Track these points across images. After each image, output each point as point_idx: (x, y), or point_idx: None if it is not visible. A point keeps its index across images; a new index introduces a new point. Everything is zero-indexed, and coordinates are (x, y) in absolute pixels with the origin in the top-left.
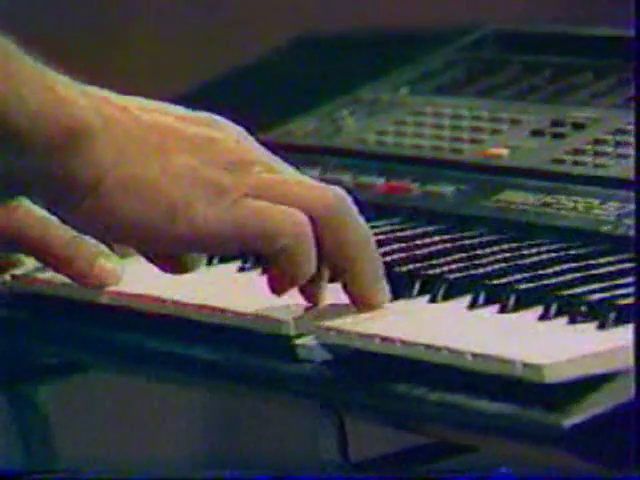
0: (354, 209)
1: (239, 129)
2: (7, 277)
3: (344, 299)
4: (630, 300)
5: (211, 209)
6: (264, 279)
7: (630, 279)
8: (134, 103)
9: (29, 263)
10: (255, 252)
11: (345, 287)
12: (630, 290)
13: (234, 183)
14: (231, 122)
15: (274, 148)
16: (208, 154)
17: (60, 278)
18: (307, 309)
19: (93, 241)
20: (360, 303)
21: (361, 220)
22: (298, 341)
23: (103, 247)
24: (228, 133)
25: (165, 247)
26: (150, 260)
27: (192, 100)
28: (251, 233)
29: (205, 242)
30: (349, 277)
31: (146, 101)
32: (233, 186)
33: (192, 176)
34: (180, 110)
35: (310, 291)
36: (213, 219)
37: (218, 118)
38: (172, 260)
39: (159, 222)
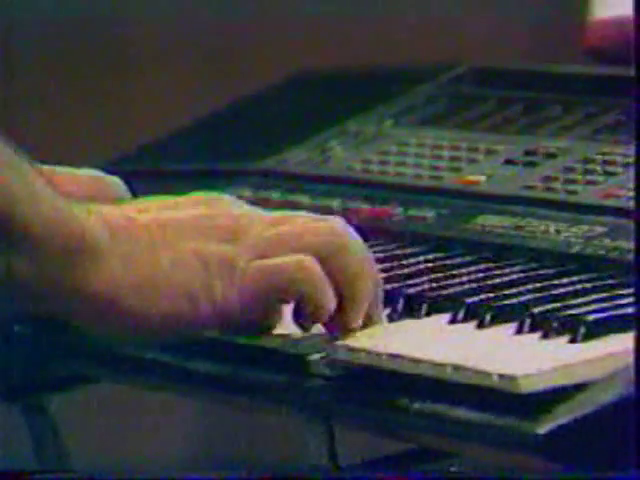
0: (348, 237)
1: (228, 198)
2: None
3: None
4: (599, 316)
5: (226, 285)
6: None
7: (600, 295)
8: (133, 207)
9: None
10: (276, 306)
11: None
12: (598, 306)
13: (238, 252)
14: (221, 195)
15: (269, 175)
16: (207, 233)
17: None
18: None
19: None
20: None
21: (358, 248)
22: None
23: None
24: (219, 207)
25: (195, 330)
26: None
27: (194, 132)
28: (266, 291)
29: (230, 315)
30: (346, 302)
31: (141, 200)
32: (238, 255)
33: (199, 260)
34: (171, 200)
35: (338, 321)
36: (231, 293)
37: (207, 195)
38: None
39: (184, 313)
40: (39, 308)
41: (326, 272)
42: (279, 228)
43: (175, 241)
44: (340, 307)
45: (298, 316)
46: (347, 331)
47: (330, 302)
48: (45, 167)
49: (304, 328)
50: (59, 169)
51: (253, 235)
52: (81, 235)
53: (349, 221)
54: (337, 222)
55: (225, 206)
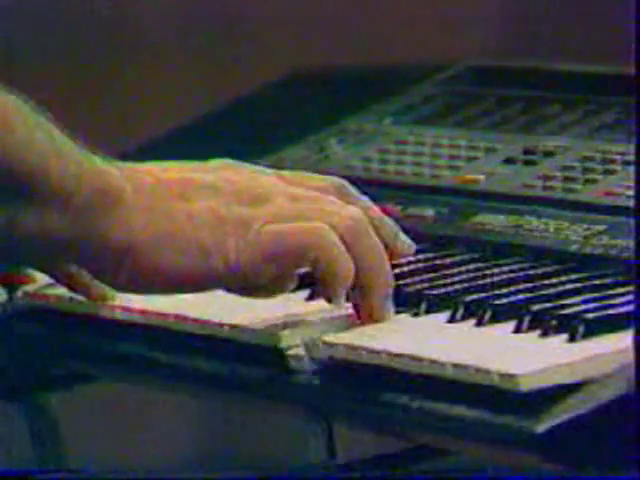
0: (370, 229)
1: (252, 167)
2: (19, 293)
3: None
4: (598, 314)
5: (240, 243)
6: None
7: (599, 294)
8: (155, 165)
9: (40, 279)
10: (290, 270)
11: (355, 300)
12: (597, 305)
13: (255, 214)
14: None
15: None
16: (226, 195)
17: (69, 293)
18: (298, 321)
19: None
20: (366, 317)
21: (376, 239)
22: (290, 352)
23: None
24: (241, 173)
25: (208, 288)
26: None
27: (192, 131)
28: (280, 254)
29: (242, 274)
30: (362, 291)
31: (165, 162)
32: (255, 217)
33: (216, 217)
34: (195, 164)
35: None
36: (244, 251)
37: (231, 161)
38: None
39: (196, 268)
40: (69, 258)
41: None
42: (302, 203)
43: (194, 199)
44: (359, 296)
45: (322, 291)
46: (340, 325)
47: (346, 272)
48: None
49: (331, 302)
50: None
51: (274, 204)
52: (106, 188)
53: None
54: (360, 211)
55: (249, 172)
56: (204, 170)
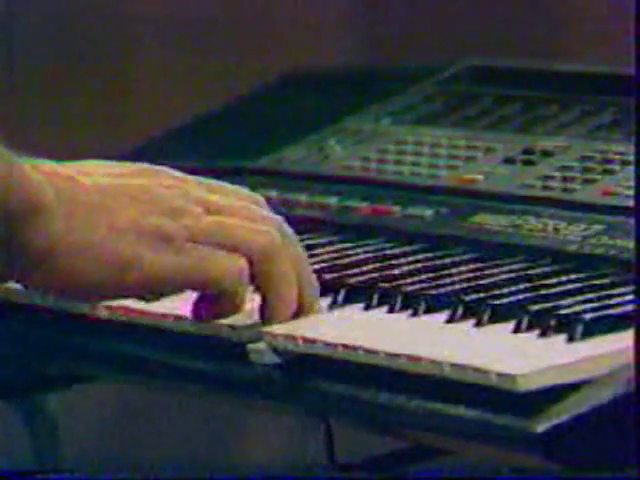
0: (282, 254)
1: (170, 172)
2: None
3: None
4: (596, 314)
5: (158, 257)
6: None
7: (598, 294)
8: (76, 169)
9: None
10: (198, 291)
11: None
12: (595, 305)
13: (176, 229)
14: (165, 167)
15: (266, 174)
16: (147, 204)
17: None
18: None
19: None
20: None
21: (287, 265)
22: (250, 346)
23: None
24: (160, 179)
25: (119, 296)
26: None
27: (191, 131)
28: (196, 279)
29: (154, 286)
30: (268, 304)
31: (87, 163)
32: (175, 232)
33: (136, 229)
34: (117, 167)
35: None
36: (160, 266)
37: (150, 167)
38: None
39: (111, 278)
40: None
41: (251, 273)
42: (219, 218)
43: (114, 208)
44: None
45: (201, 306)
46: (328, 321)
47: (242, 302)
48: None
49: (203, 319)
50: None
51: (193, 216)
52: (29, 196)
53: (347, 219)
54: (275, 225)
55: (168, 179)
56: (125, 175)
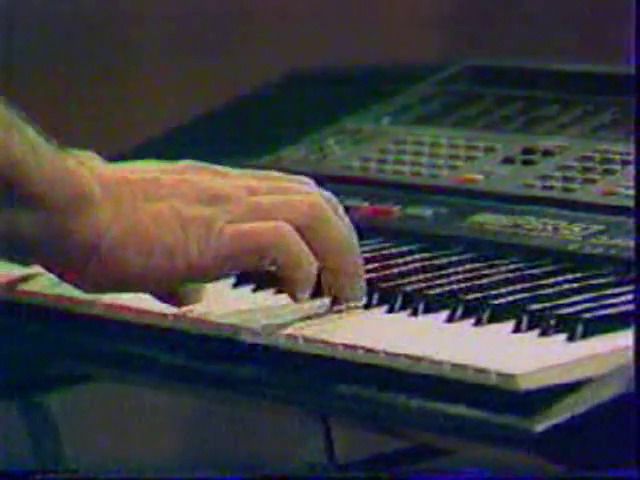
0: (332, 212)
1: (212, 167)
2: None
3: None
4: (596, 314)
5: (202, 243)
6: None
7: (598, 293)
8: (120, 167)
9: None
10: (250, 269)
11: (327, 288)
12: (595, 304)
13: (216, 214)
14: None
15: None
16: (188, 195)
17: (69, 293)
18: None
19: None
20: (338, 299)
21: (338, 220)
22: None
23: None
24: (202, 174)
25: (169, 286)
26: (157, 297)
27: (191, 131)
28: (241, 254)
29: (204, 272)
30: (331, 273)
31: (129, 163)
32: (216, 217)
33: (179, 218)
34: (159, 164)
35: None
36: (206, 251)
37: (193, 163)
38: (175, 296)
39: (159, 266)
40: (36, 258)
41: (306, 243)
42: (261, 197)
43: (157, 201)
44: (330, 281)
45: (287, 291)
46: (325, 319)
47: (306, 272)
48: None
49: (296, 300)
50: None
51: (233, 201)
52: (77, 189)
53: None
54: (320, 195)
55: (210, 173)
56: (167, 171)
